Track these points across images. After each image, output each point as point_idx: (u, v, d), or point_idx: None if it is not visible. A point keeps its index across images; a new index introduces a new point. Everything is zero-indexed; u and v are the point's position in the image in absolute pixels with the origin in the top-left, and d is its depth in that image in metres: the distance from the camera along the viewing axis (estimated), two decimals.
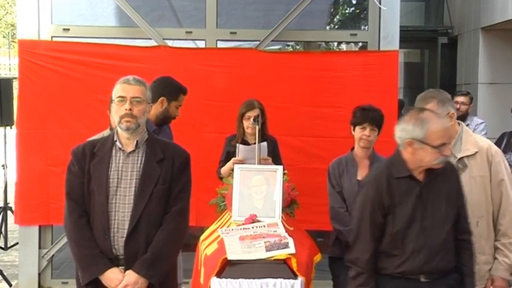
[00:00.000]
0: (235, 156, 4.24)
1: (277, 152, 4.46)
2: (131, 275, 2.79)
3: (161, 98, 3.98)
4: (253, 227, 3.09)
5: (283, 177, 3.49)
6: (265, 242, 2.86)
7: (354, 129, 3.84)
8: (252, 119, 4.21)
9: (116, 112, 2.87)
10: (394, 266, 2.70)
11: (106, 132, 3.86)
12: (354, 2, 7.46)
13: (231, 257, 2.79)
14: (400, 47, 5.30)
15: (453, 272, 2.76)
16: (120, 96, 2.87)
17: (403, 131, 2.69)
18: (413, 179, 2.71)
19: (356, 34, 5.67)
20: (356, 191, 3.75)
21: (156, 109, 3.96)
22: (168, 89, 4.03)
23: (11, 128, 6.57)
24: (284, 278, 2.73)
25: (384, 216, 2.70)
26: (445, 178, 2.76)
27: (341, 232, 3.74)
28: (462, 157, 3.03)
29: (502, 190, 3.04)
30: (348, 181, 3.80)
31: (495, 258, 3.07)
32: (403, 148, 2.71)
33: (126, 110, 2.84)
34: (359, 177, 3.78)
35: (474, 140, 3.12)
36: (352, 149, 3.91)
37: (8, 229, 6.62)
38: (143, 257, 2.81)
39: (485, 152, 3.04)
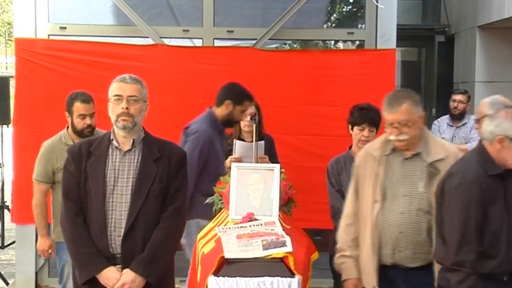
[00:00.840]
0: (232, 155, 4.24)
1: (274, 150, 4.46)
2: (129, 274, 2.79)
3: (226, 101, 4.14)
4: (250, 226, 3.08)
5: (280, 176, 3.48)
6: (262, 241, 2.85)
7: (351, 129, 3.84)
8: (249, 117, 4.21)
9: (113, 111, 2.87)
10: (491, 267, 2.65)
11: (64, 134, 3.93)
12: (351, 0, 7.46)
13: (228, 255, 2.79)
14: (397, 46, 5.31)
15: None
16: (116, 95, 2.86)
17: (497, 126, 2.64)
18: (501, 177, 2.67)
19: (353, 33, 5.68)
20: None
21: (221, 111, 4.15)
22: (233, 93, 4.18)
23: (7, 126, 6.56)
24: (281, 277, 2.72)
25: (483, 215, 2.63)
26: None
27: None
28: (433, 162, 2.92)
29: None
30: (347, 179, 3.79)
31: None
32: (490, 144, 2.67)
33: (122, 108, 2.83)
34: None
35: (440, 143, 3.05)
36: (350, 147, 3.91)
37: (5, 228, 6.60)
38: (140, 256, 2.81)
39: (454, 158, 2.94)
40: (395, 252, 2.94)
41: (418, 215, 2.88)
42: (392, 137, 2.93)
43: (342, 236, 3.15)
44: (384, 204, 2.96)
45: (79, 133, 3.85)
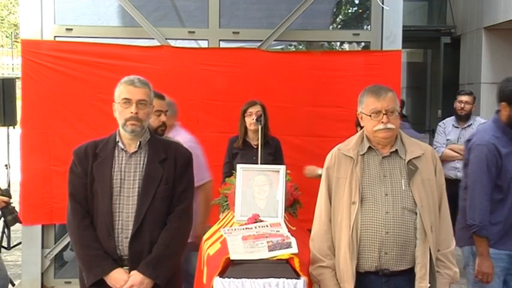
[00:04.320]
0: (239, 157, 4.26)
1: (280, 152, 4.46)
2: (136, 276, 2.79)
3: (502, 104, 3.60)
4: (256, 227, 3.08)
5: (285, 177, 3.49)
6: (267, 242, 2.86)
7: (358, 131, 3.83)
8: (255, 119, 4.21)
9: (121, 114, 2.85)
10: None
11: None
12: (357, 1, 7.46)
13: (233, 256, 2.79)
14: (403, 47, 5.31)
15: None
16: (125, 99, 2.84)
17: None
18: None
19: (359, 34, 5.68)
20: None
21: (502, 115, 3.61)
22: (505, 93, 3.60)
23: (14, 128, 6.59)
24: (287, 278, 2.73)
25: None
26: None
27: None
28: (411, 159, 2.85)
29: (443, 195, 2.90)
30: None
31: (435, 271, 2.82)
32: None
33: (131, 113, 2.82)
34: None
35: (415, 142, 2.97)
36: None
37: (11, 229, 6.62)
38: (148, 257, 2.82)
39: (430, 155, 2.90)
40: (381, 254, 2.78)
41: (404, 213, 2.77)
42: (380, 126, 2.81)
43: (317, 244, 2.88)
44: (363, 205, 2.81)
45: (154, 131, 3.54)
